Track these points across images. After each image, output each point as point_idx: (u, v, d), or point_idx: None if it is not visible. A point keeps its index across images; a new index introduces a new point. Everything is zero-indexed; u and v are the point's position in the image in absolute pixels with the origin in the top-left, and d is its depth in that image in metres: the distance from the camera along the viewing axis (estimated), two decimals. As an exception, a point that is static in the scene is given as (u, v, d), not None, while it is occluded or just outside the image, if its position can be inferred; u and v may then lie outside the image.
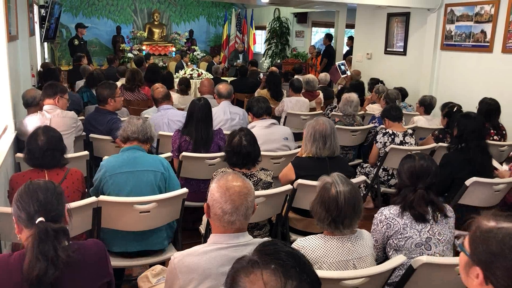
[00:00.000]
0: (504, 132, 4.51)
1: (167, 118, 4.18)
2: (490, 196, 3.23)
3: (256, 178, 2.76)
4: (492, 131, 4.40)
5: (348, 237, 1.94)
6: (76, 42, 9.95)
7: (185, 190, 2.61)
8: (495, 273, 1.17)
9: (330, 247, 1.92)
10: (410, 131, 4.26)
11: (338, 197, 1.91)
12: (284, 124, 5.19)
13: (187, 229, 3.30)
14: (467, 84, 6.18)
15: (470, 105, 4.94)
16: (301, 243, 1.95)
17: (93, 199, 2.37)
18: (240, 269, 1.06)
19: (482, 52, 5.98)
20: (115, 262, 2.55)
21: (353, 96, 4.72)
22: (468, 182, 3.10)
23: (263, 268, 1.03)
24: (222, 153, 3.31)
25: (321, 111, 5.69)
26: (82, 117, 4.38)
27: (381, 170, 4.18)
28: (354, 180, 2.99)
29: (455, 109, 4.32)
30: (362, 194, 4.33)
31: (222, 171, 2.64)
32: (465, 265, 1.26)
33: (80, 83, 6.33)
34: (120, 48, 11.95)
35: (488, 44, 5.90)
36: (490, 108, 4.39)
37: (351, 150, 4.80)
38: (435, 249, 2.19)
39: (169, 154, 3.46)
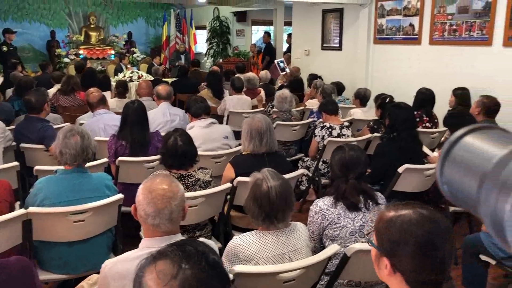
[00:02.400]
0: (436, 120, 4.74)
1: (103, 123, 4.08)
2: (421, 182, 3.38)
3: (194, 178, 2.75)
4: (425, 118, 4.62)
5: (283, 231, 1.98)
6: (5, 48, 9.46)
7: (120, 196, 2.55)
8: (400, 260, 1.21)
9: (266, 242, 1.95)
10: (346, 124, 4.38)
11: (270, 192, 1.94)
12: (226, 123, 5.20)
13: (129, 235, 3.24)
14: (400, 75, 6.44)
15: (404, 96, 5.16)
16: (236, 241, 1.97)
17: (21, 211, 2.27)
18: (141, 266, 1.07)
19: (412, 44, 6.25)
20: (51, 276, 2.46)
21: (286, 92, 4.80)
22: (400, 169, 3.23)
23: (158, 259, 1.04)
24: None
25: (263, 109, 5.74)
26: (13, 127, 4.18)
27: (321, 162, 4.28)
28: (293, 174, 3.07)
29: (387, 100, 4.49)
30: (304, 187, 4.46)
31: (158, 174, 2.61)
32: (375, 258, 1.29)
33: (10, 91, 6.05)
34: (56, 53, 11.50)
35: (417, 36, 6.17)
36: (425, 97, 4.62)
37: (292, 145, 4.87)
38: (367, 238, 2.27)
39: (105, 159, 3.37)
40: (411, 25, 6.25)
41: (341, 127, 4.28)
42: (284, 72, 7.91)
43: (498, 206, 0.38)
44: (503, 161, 0.39)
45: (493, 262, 2.68)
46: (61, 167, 2.53)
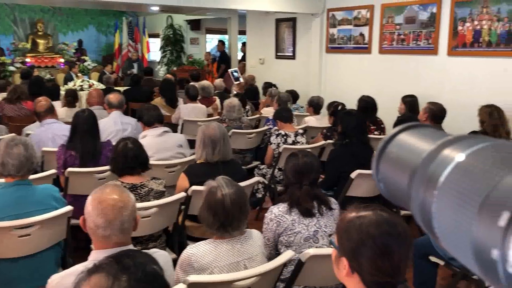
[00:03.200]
0: (382, 126, 4.88)
1: (52, 133, 3.93)
2: (374, 187, 3.46)
3: (147, 188, 2.69)
4: (372, 127, 4.73)
5: (238, 239, 1.97)
6: None
7: (69, 208, 2.46)
8: (359, 261, 1.23)
9: (221, 251, 1.93)
10: (301, 131, 4.44)
11: (225, 200, 1.93)
12: (181, 132, 5.14)
13: (80, 248, 3.12)
14: (352, 83, 6.60)
15: (356, 103, 5.28)
16: (190, 250, 1.94)
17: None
18: (77, 281, 1.03)
19: (362, 53, 6.43)
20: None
21: (234, 101, 4.82)
22: (353, 175, 3.30)
23: (94, 272, 1.01)
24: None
25: (218, 117, 5.72)
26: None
27: (277, 170, 4.30)
28: (248, 181, 3.06)
29: (339, 107, 4.59)
30: (261, 195, 4.47)
31: (108, 184, 2.54)
32: (335, 259, 1.31)
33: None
34: (0, 61, 11.03)
35: (367, 45, 6.35)
36: (366, 105, 4.73)
37: (248, 153, 4.88)
38: (322, 241, 2.30)
39: (54, 171, 3.24)
40: (362, 34, 6.44)
41: (296, 135, 4.33)
42: (238, 82, 7.93)
43: (425, 199, 0.38)
44: (431, 155, 0.40)
45: (441, 262, 2.77)
46: (2, 180, 2.40)
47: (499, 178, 0.32)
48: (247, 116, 5.75)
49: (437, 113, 4.32)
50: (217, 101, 6.25)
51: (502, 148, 0.36)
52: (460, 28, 5.28)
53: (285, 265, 2.03)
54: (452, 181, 0.36)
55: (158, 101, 5.91)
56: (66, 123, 4.41)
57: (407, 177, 0.41)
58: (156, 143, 3.68)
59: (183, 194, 2.79)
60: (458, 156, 0.37)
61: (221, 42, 10.57)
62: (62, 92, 6.48)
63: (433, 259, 2.81)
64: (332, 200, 2.43)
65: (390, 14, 6.02)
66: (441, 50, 5.50)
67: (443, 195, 0.36)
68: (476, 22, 5.13)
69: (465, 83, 5.21)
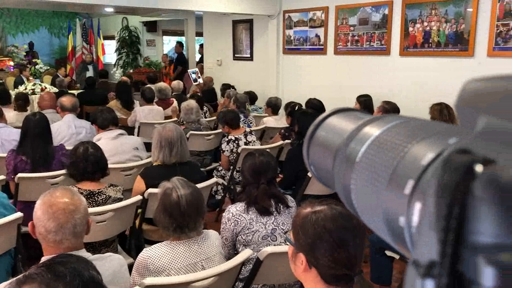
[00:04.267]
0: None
1: (0, 138, 3.77)
2: (331, 184, 3.51)
3: (104, 195, 2.64)
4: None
5: (195, 240, 1.95)
6: None
7: (19, 215, 2.36)
8: (316, 256, 1.24)
9: (177, 253, 1.91)
10: (248, 129, 4.45)
11: (180, 201, 1.91)
12: (138, 135, 5.06)
13: (33, 256, 3.01)
14: (308, 84, 6.69)
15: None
16: (146, 253, 1.92)
17: None
18: None
19: (318, 54, 6.53)
20: None
21: (192, 103, 4.80)
22: (310, 174, 3.34)
23: (24, 283, 0.95)
24: (65, 171, 3.09)
25: (175, 119, 5.67)
26: None
27: (235, 171, 4.29)
28: (206, 182, 3.05)
29: (297, 107, 4.64)
30: (220, 196, 4.46)
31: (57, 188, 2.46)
32: (292, 255, 1.32)
33: None
34: None
35: (323, 47, 6.46)
36: (314, 108, 4.82)
37: (207, 155, 4.85)
38: (280, 239, 2.31)
39: (3, 177, 3.12)
40: (317, 36, 6.54)
41: (245, 135, 4.33)
42: (197, 83, 7.89)
43: (346, 177, 0.40)
44: (351, 134, 0.41)
45: (397, 256, 2.85)
46: None
47: (406, 149, 0.34)
48: (205, 118, 5.72)
49: (390, 112, 4.44)
50: (175, 103, 6.18)
51: (411, 123, 0.37)
52: (411, 29, 5.45)
53: (243, 264, 2.03)
54: (368, 157, 0.37)
55: (113, 104, 5.78)
56: (16, 127, 4.26)
57: (332, 157, 0.43)
58: (112, 146, 3.60)
59: (139, 197, 2.75)
60: (374, 133, 0.38)
61: (179, 44, 10.47)
62: (12, 96, 6.24)
63: (388, 253, 2.88)
64: (289, 198, 2.45)
65: (344, 15, 6.15)
66: (393, 50, 5.66)
67: (359, 171, 0.37)
68: (426, 24, 5.31)
69: (417, 82, 5.38)
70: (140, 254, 1.95)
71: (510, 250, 0.25)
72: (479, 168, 0.27)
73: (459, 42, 5.04)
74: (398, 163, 0.33)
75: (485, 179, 0.26)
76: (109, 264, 1.80)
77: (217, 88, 7.31)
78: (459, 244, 0.27)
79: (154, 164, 3.07)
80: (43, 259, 1.59)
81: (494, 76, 0.31)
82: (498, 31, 4.69)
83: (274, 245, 2.27)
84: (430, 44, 5.30)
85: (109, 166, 3.15)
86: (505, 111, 0.29)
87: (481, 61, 4.82)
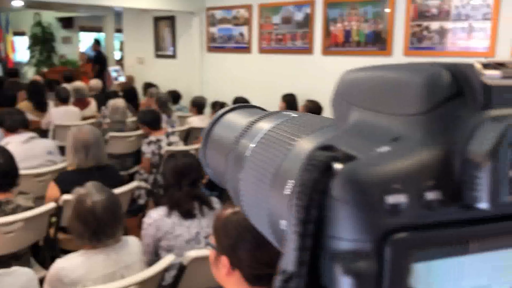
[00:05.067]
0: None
1: None
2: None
3: (13, 204, 2.42)
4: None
5: (113, 248, 1.84)
6: None
7: None
8: (238, 257, 1.21)
9: (94, 262, 1.78)
10: (170, 130, 4.33)
11: (95, 208, 1.79)
12: (53, 138, 4.75)
13: None
14: (234, 82, 6.66)
15: (237, 102, 5.33)
16: (60, 264, 1.78)
17: None
18: None
19: (243, 53, 6.51)
20: None
21: (119, 102, 4.61)
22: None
23: None
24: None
25: (94, 120, 5.39)
26: None
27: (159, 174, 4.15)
28: (125, 187, 2.91)
29: (223, 106, 4.58)
30: (143, 201, 4.29)
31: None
32: (214, 260, 1.28)
33: None
34: None
35: (247, 45, 6.45)
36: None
37: (128, 157, 4.65)
38: (205, 242, 2.24)
39: None
40: (241, 34, 6.51)
41: (167, 136, 4.20)
42: (118, 81, 7.58)
43: (235, 176, 0.38)
44: (243, 131, 0.39)
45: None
46: None
47: (290, 147, 0.32)
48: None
49: (314, 110, 4.51)
50: (93, 103, 5.89)
51: (302, 118, 0.36)
52: (332, 28, 5.59)
53: (166, 270, 1.94)
54: (254, 155, 0.36)
55: (24, 105, 5.37)
56: None
57: (224, 156, 0.40)
58: (22, 150, 3.32)
59: (52, 204, 2.56)
60: (263, 129, 0.37)
61: (96, 42, 10.02)
62: None
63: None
64: (214, 199, 2.38)
65: (267, 14, 6.18)
66: (316, 49, 5.78)
67: (246, 170, 0.36)
68: (346, 23, 5.47)
69: (338, 80, 5.52)
70: (52, 266, 1.81)
71: (368, 257, 0.23)
72: (337, 165, 0.24)
73: (377, 42, 5.23)
74: (282, 161, 0.32)
75: (342, 178, 0.24)
76: (15, 279, 1.65)
77: (139, 87, 7.07)
78: (318, 252, 0.25)
79: (69, 169, 2.90)
80: None
81: (368, 66, 0.29)
82: (413, 31, 4.93)
83: (199, 249, 2.19)
84: (351, 44, 5.46)
85: (21, 172, 2.92)
86: (374, 102, 0.28)
87: (398, 60, 5.05)
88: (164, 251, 2.20)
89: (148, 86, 6.62)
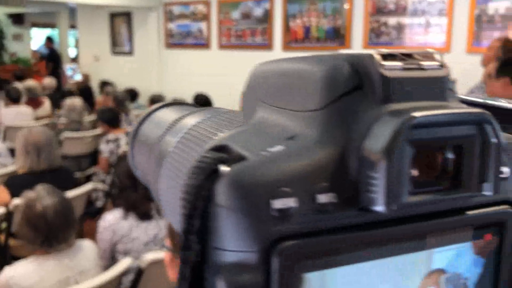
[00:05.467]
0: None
1: None
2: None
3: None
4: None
5: (66, 253, 1.77)
6: None
7: None
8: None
9: (46, 269, 1.71)
10: (130, 129, 4.24)
11: (46, 213, 1.71)
12: (4, 139, 4.56)
13: None
14: (193, 79, 6.56)
15: (197, 99, 5.26)
16: (10, 272, 1.70)
17: None
18: None
19: (202, 49, 6.44)
20: None
21: (76, 101, 4.47)
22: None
23: None
24: None
25: (48, 121, 5.20)
26: None
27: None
28: (80, 189, 2.83)
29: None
30: (103, 202, 4.17)
31: None
32: (169, 263, 1.23)
33: None
34: None
35: (206, 41, 6.37)
36: (201, 102, 4.79)
37: (84, 158, 4.51)
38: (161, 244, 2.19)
39: None
40: (200, 30, 6.43)
41: (127, 134, 4.10)
42: (74, 80, 7.35)
43: (157, 174, 0.35)
44: (169, 127, 0.37)
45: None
46: None
47: (209, 142, 0.30)
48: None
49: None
50: (47, 102, 5.69)
51: (227, 115, 0.35)
52: (292, 24, 5.59)
53: (123, 274, 1.88)
54: (175, 152, 0.34)
55: (-29, 105, 5.14)
56: None
57: (149, 154, 0.38)
58: (-32, 153, 3.17)
59: (2, 209, 2.46)
60: (187, 125, 0.35)
61: (48, 39, 9.66)
62: None
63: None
64: (173, 199, 2.32)
65: (227, 9, 6.12)
66: (276, 45, 5.78)
67: (166, 167, 0.34)
68: (305, 19, 5.48)
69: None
70: (1, 275, 1.71)
71: (254, 269, 0.21)
72: (223, 168, 0.22)
73: (336, 38, 5.28)
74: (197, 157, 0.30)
75: (225, 181, 0.22)
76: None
77: (96, 85, 6.88)
78: (202, 264, 0.23)
79: (20, 172, 2.78)
80: None
81: (280, 59, 0.28)
82: (371, 27, 5.00)
83: (157, 251, 2.13)
84: (311, 39, 5.48)
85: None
86: (277, 98, 0.27)
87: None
88: (122, 254, 2.13)
89: (104, 84, 6.45)
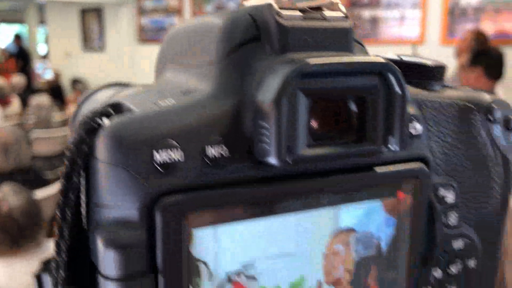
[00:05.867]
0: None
1: None
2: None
3: None
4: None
5: (35, 252, 1.73)
6: None
7: None
8: None
9: (14, 270, 1.67)
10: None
11: (13, 213, 1.67)
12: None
13: None
14: (168, 75, 6.52)
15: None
16: None
17: None
18: None
19: (177, 44, 6.38)
20: None
21: (44, 100, 4.40)
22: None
23: None
24: None
25: (17, 121, 5.09)
26: None
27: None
28: (51, 189, 2.78)
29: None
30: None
31: None
32: None
33: None
34: None
35: (180, 36, 6.31)
36: None
37: (56, 157, 4.43)
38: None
39: None
40: (173, 24, 6.36)
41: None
42: (44, 78, 7.20)
43: None
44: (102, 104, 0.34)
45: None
46: None
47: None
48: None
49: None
50: (16, 101, 5.56)
51: (164, 86, 0.33)
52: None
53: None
54: None
55: None
56: None
57: None
58: None
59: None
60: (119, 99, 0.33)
61: (17, 37, 9.41)
62: None
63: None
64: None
65: (200, 3, 6.07)
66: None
67: None
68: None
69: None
70: (-34, 280, 1.66)
71: (135, 226, 0.20)
72: (106, 121, 0.21)
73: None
74: None
75: (105, 134, 0.21)
76: None
77: (67, 82, 6.75)
78: (80, 224, 0.22)
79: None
80: None
81: (189, 19, 0.24)
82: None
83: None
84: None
85: None
86: (181, 57, 0.26)
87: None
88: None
89: (75, 81, 6.35)
